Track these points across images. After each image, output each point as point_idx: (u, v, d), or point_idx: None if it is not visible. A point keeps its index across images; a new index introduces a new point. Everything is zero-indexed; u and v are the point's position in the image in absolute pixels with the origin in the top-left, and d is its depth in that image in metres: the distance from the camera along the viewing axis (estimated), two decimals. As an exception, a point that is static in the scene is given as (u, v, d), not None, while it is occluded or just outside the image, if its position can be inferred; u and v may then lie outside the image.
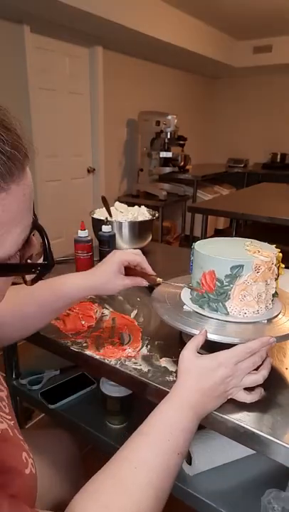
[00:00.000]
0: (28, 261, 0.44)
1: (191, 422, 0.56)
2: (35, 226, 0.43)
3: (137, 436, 0.54)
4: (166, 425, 0.54)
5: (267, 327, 0.67)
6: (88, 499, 0.47)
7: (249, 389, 0.62)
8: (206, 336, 0.64)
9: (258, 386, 0.62)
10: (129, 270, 0.81)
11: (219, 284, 0.69)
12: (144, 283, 0.79)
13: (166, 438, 0.53)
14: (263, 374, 0.61)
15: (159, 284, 0.83)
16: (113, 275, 0.77)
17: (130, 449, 0.52)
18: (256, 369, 0.62)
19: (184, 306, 0.75)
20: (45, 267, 0.44)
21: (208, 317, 0.70)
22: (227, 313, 0.70)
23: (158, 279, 0.80)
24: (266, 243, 0.75)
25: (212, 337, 0.65)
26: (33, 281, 0.46)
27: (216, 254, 0.69)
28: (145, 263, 0.81)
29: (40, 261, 0.44)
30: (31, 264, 0.44)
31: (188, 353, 0.62)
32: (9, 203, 0.35)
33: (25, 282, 0.46)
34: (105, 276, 0.77)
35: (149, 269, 0.81)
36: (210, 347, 0.65)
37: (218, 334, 0.65)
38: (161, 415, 0.56)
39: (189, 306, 0.74)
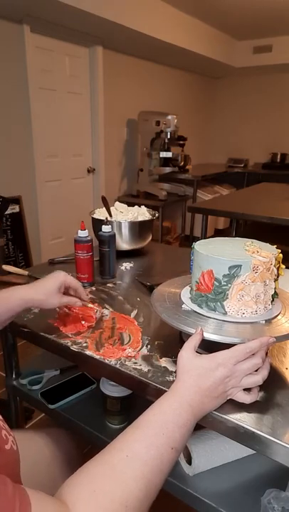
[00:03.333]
0: None
1: (188, 420, 0.56)
2: None
3: (131, 429, 0.54)
4: (163, 420, 0.54)
5: (265, 327, 0.67)
6: (77, 484, 0.47)
7: (248, 389, 0.62)
8: (203, 335, 0.64)
9: (256, 386, 0.62)
10: (66, 292, 0.90)
11: (217, 284, 0.69)
12: (79, 303, 0.90)
13: (161, 432, 0.53)
14: (262, 375, 0.61)
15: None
16: (54, 292, 0.84)
17: (124, 440, 0.52)
18: (256, 370, 0.62)
19: (183, 305, 0.75)
20: None
21: (206, 316, 0.70)
22: (225, 313, 0.70)
23: (89, 304, 0.95)
24: (268, 244, 0.75)
25: (209, 336, 0.65)
26: None
27: (214, 254, 0.69)
28: (82, 289, 0.92)
29: None
30: None
31: (187, 353, 0.62)
32: None
33: None
34: (46, 292, 0.84)
35: (84, 296, 0.92)
36: (207, 346, 0.65)
37: (215, 334, 0.65)
38: (159, 410, 0.56)
39: (188, 305, 0.74)
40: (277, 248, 0.73)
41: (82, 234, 1.12)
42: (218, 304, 0.70)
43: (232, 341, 0.63)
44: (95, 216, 1.39)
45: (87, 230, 1.13)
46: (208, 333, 0.65)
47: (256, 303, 0.69)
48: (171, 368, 0.73)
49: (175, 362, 0.72)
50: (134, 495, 0.47)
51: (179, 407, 0.56)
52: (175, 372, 0.63)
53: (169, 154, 3.70)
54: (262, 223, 2.22)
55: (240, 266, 0.66)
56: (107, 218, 1.27)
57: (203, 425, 0.62)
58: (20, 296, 0.82)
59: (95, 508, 0.44)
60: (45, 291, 0.84)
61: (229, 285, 0.68)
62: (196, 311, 0.72)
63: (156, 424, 0.54)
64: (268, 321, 0.69)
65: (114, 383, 0.93)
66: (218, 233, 4.57)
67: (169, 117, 3.59)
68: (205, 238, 0.81)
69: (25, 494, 0.40)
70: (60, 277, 0.87)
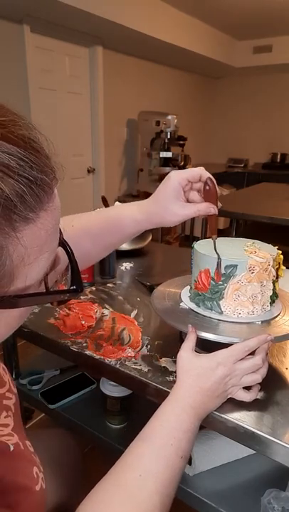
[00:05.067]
0: (55, 288, 0.40)
1: (192, 423, 0.55)
2: (60, 243, 0.39)
3: (139, 442, 0.53)
4: (168, 429, 0.54)
5: (261, 328, 0.67)
6: (94, 510, 0.46)
7: (248, 387, 0.62)
8: (196, 333, 0.64)
9: (256, 384, 0.62)
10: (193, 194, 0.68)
11: (214, 283, 0.69)
12: (212, 209, 0.65)
13: (169, 442, 0.52)
14: (261, 373, 0.61)
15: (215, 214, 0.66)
16: (170, 203, 0.64)
17: (133, 455, 0.52)
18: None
19: (181, 304, 0.75)
20: (73, 293, 0.41)
21: (203, 315, 0.70)
22: (221, 312, 0.70)
23: (219, 204, 0.67)
24: (270, 245, 0.75)
25: (205, 335, 0.65)
26: (59, 304, 0.45)
27: (212, 253, 0.69)
28: (208, 174, 0.66)
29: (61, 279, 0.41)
30: (58, 292, 0.41)
31: (186, 352, 0.62)
32: (38, 230, 0.33)
33: (52, 304, 0.44)
34: (162, 205, 0.64)
35: (213, 182, 0.66)
36: (204, 345, 0.65)
37: (211, 333, 0.65)
38: (162, 418, 0.56)
39: (186, 303, 0.74)
40: (277, 249, 0.72)
41: (82, 234, 1.12)
42: (215, 303, 0.70)
43: (226, 340, 0.63)
44: (95, 216, 1.39)
45: (87, 230, 1.13)
46: (204, 332, 0.65)
47: (252, 303, 0.68)
48: (171, 368, 0.73)
49: (175, 362, 0.72)
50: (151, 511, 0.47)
51: (181, 411, 0.56)
52: (175, 372, 0.63)
53: (169, 154, 3.71)
54: (262, 223, 2.22)
55: (236, 266, 0.66)
56: (107, 218, 1.27)
57: (203, 425, 0.62)
58: (134, 217, 0.65)
59: None
60: (159, 206, 0.64)
61: (225, 284, 0.68)
62: (193, 310, 0.72)
63: (162, 434, 0.53)
64: (265, 322, 0.69)
65: (114, 383, 0.93)
66: (218, 233, 4.52)
67: (169, 117, 3.59)
68: (205, 238, 0.81)
69: None
70: (170, 182, 0.64)
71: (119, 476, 0.49)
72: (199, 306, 0.73)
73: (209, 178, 0.65)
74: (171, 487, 0.50)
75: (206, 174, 0.66)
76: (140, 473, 0.49)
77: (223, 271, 0.67)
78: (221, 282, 0.68)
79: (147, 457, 0.51)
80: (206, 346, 0.65)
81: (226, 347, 0.60)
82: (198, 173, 0.66)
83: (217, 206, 0.66)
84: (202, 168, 0.67)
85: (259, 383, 0.62)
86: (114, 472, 0.50)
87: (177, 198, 0.65)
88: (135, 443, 0.53)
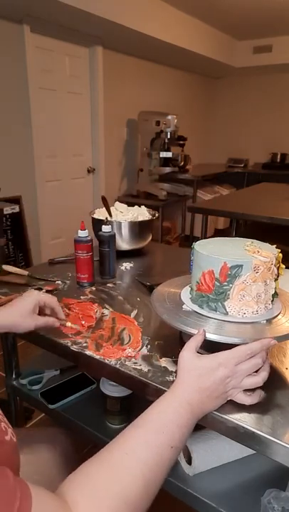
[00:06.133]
0: None
1: (188, 419, 0.56)
2: None
3: (131, 428, 0.54)
4: (162, 419, 0.54)
5: (266, 327, 0.67)
6: (77, 482, 0.47)
7: (249, 391, 0.62)
8: (205, 336, 0.64)
9: (257, 388, 0.62)
10: (42, 311, 0.86)
11: (218, 284, 0.69)
12: (57, 323, 0.85)
13: (160, 430, 0.53)
14: (262, 376, 0.61)
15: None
16: (28, 314, 0.80)
17: (123, 438, 0.53)
18: (256, 371, 0.62)
19: (184, 306, 0.75)
20: None
21: (207, 317, 0.70)
22: (226, 313, 0.70)
23: (67, 323, 0.87)
24: (267, 244, 0.75)
25: (211, 337, 0.65)
26: None
27: (215, 254, 0.69)
28: (58, 307, 0.87)
29: None
30: None
31: (188, 353, 0.61)
32: None
33: None
34: (20, 315, 0.80)
35: (61, 314, 0.87)
36: (209, 347, 0.65)
37: (217, 334, 0.65)
38: (158, 409, 0.56)
39: (189, 305, 0.74)
40: (276, 248, 0.73)
41: (82, 234, 1.12)
42: (219, 304, 0.70)
43: (233, 341, 0.63)
44: (95, 216, 1.39)
45: (87, 230, 1.13)
46: (210, 334, 0.65)
47: (257, 303, 0.69)
48: (171, 368, 0.73)
49: (175, 362, 0.72)
50: (134, 492, 0.47)
51: (178, 406, 0.56)
52: (175, 372, 0.63)
53: (169, 154, 3.70)
54: (262, 223, 2.22)
55: (241, 266, 0.66)
56: (107, 218, 1.27)
57: (203, 425, 0.62)
58: None
59: (95, 506, 0.44)
60: (18, 313, 0.80)
61: (230, 285, 0.68)
62: (196, 312, 0.72)
63: (155, 422, 0.54)
64: (269, 321, 0.69)
65: (114, 383, 0.93)
66: (218, 233, 4.57)
67: (169, 117, 3.59)
68: (205, 238, 0.81)
69: (26, 486, 0.41)
70: (33, 296, 0.82)
71: (106, 454, 0.51)
72: (203, 308, 0.72)
73: (55, 308, 0.86)
74: (157, 475, 0.50)
75: (56, 307, 0.86)
76: (126, 453, 0.50)
77: (228, 271, 0.67)
78: (225, 283, 0.68)
79: (137, 441, 0.52)
80: (211, 348, 0.64)
81: (230, 348, 0.60)
82: (52, 303, 0.86)
83: (60, 319, 0.87)
84: (56, 299, 0.87)
85: (261, 387, 0.62)
86: (102, 451, 0.51)
87: (33, 311, 0.81)
88: (127, 429, 0.54)
